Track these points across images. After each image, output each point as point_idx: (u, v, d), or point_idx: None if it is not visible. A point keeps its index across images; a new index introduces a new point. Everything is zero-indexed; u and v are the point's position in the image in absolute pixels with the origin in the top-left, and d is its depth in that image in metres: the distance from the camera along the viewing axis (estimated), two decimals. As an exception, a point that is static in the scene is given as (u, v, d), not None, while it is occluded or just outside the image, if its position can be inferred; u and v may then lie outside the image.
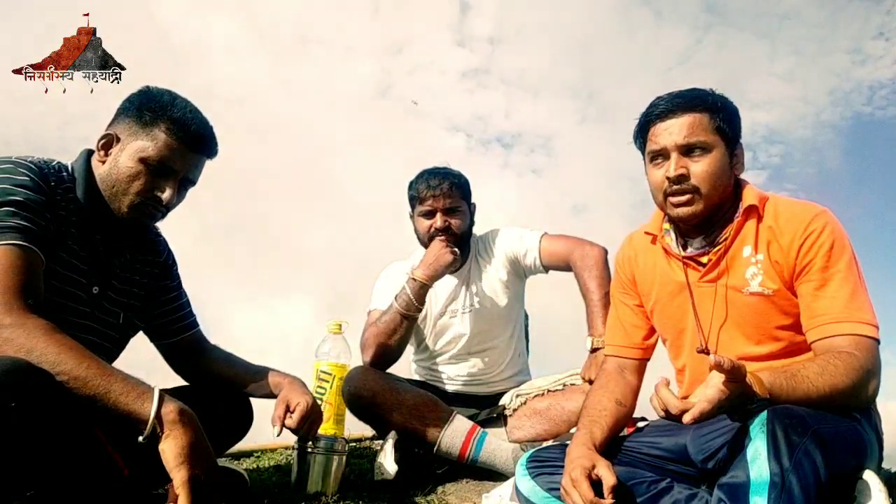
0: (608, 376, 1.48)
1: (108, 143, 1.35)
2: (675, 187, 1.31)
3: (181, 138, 1.33)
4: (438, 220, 2.11)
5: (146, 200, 1.34)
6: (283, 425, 1.46)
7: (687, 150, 1.31)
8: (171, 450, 1.09)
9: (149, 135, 1.32)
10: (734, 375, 1.02)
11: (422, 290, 2.01)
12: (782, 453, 0.98)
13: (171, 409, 1.10)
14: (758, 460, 1.01)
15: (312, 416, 1.48)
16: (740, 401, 1.05)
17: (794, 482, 0.96)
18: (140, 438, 1.08)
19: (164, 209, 1.37)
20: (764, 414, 1.05)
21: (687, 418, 1.03)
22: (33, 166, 1.25)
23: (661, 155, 1.34)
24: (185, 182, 1.39)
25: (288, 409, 1.47)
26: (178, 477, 1.08)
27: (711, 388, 1.04)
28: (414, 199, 2.17)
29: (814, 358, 1.18)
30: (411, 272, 2.05)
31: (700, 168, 1.30)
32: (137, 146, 1.32)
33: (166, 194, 1.33)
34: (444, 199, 2.11)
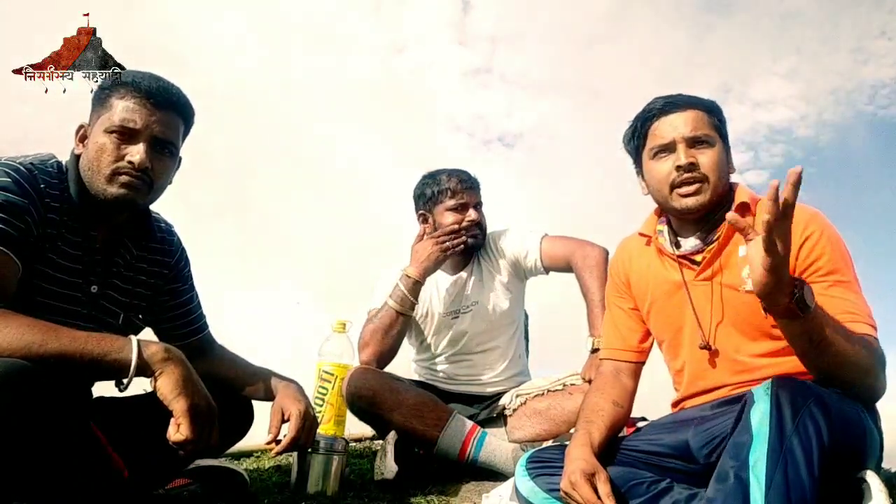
0: (604, 379, 1.48)
1: (84, 135, 1.35)
2: (685, 176, 1.33)
3: (135, 95, 1.31)
4: (473, 213, 2.15)
5: (119, 169, 1.29)
6: (275, 438, 1.44)
7: (693, 143, 1.34)
8: (166, 385, 1.10)
9: (107, 108, 1.31)
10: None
11: (415, 286, 2.04)
12: (785, 416, 0.98)
13: (155, 350, 1.12)
14: (760, 420, 1.00)
15: (306, 424, 1.45)
16: (783, 278, 1.00)
17: (796, 444, 0.95)
18: (124, 380, 1.10)
19: (142, 175, 1.30)
20: (769, 381, 1.05)
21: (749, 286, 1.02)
22: (21, 168, 1.22)
23: (666, 149, 1.36)
24: (157, 143, 1.32)
25: (283, 418, 1.45)
26: (178, 407, 1.10)
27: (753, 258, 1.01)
28: (440, 195, 2.16)
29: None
30: (404, 269, 2.07)
31: (707, 158, 1.33)
32: (100, 122, 1.31)
33: (136, 157, 1.28)
34: (475, 193, 2.18)
